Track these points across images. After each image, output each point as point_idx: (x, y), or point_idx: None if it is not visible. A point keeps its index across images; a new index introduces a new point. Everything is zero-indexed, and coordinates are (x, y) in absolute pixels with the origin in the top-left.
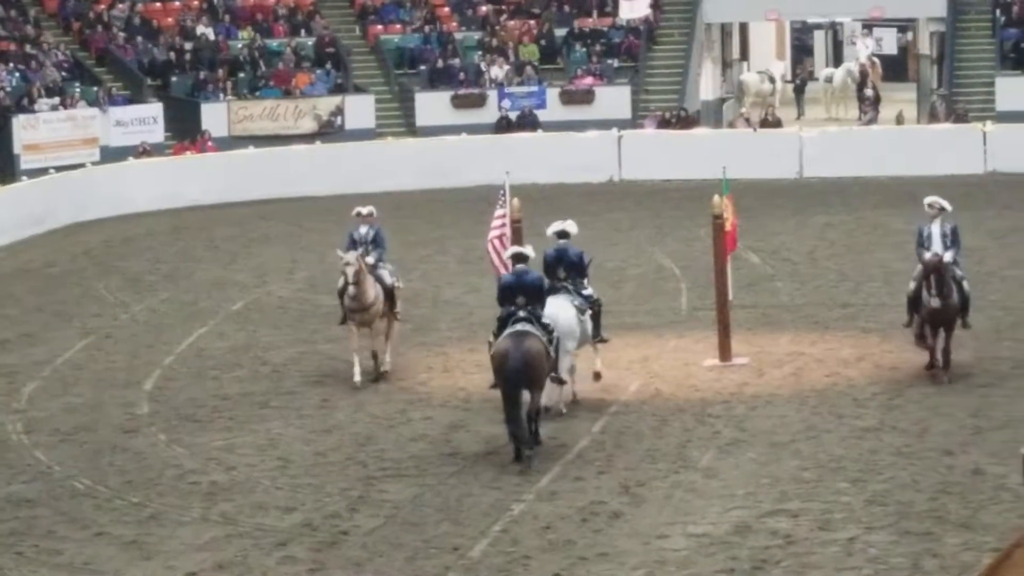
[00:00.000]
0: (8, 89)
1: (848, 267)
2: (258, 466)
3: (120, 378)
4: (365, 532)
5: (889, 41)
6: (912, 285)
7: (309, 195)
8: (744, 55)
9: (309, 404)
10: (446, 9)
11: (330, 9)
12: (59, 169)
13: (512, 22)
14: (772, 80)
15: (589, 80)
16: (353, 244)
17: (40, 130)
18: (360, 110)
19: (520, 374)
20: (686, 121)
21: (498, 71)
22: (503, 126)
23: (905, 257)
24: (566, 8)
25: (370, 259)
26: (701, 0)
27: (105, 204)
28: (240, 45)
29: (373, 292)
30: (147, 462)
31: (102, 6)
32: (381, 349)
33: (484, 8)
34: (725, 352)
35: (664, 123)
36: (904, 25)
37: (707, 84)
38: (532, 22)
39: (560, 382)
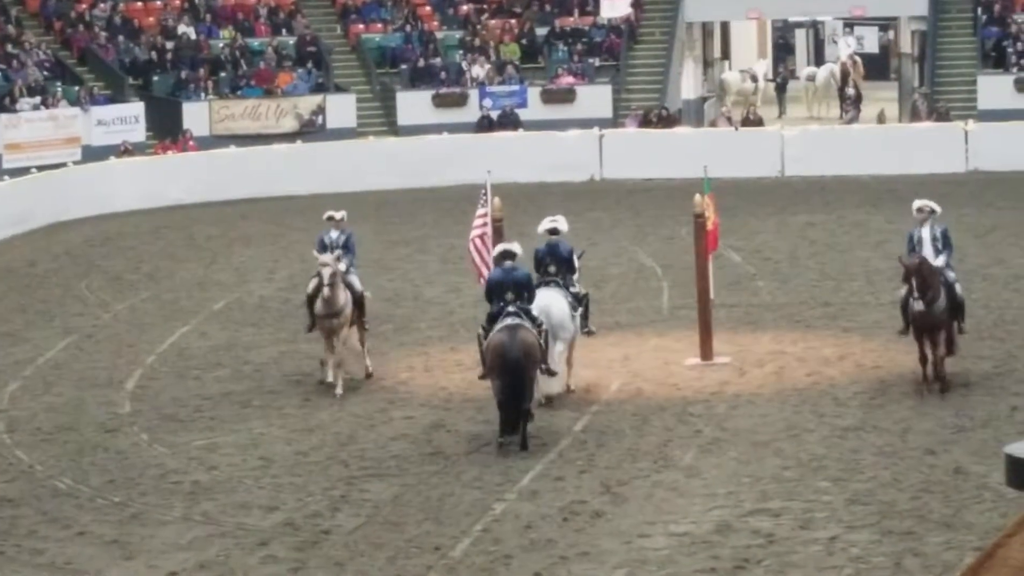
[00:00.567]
0: None
1: (830, 266)
2: (240, 465)
3: (102, 377)
4: (347, 532)
5: (871, 40)
6: (902, 291)
7: (290, 194)
8: (725, 54)
9: (291, 403)
10: (427, 8)
11: (311, 8)
12: (41, 168)
13: (493, 21)
14: (754, 79)
15: (570, 79)
16: (323, 248)
17: (22, 129)
18: (341, 109)
19: (520, 365)
20: (667, 120)
21: (479, 70)
22: (484, 125)
23: (886, 256)
24: (547, 7)
25: (341, 265)
26: None
27: (87, 203)
28: (221, 44)
29: (344, 298)
30: (129, 462)
31: (83, 6)
32: (354, 354)
33: (465, 7)
34: (706, 351)
35: (646, 122)
36: (885, 24)
37: (688, 83)
38: (513, 21)
39: (551, 374)
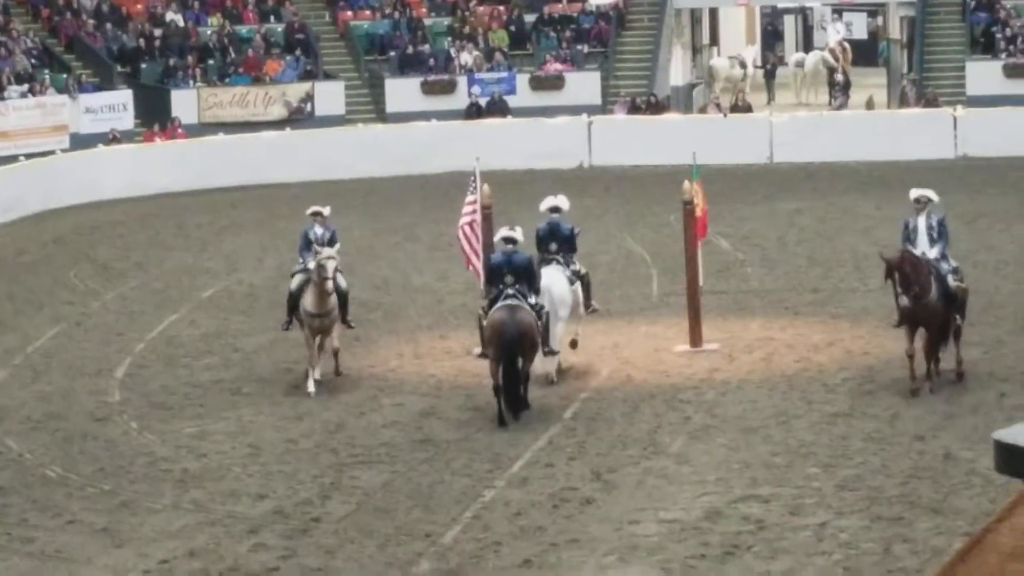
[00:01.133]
0: None
1: (818, 252)
2: (229, 453)
3: (91, 366)
4: (336, 519)
5: (859, 26)
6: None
7: (279, 182)
8: (714, 40)
9: (280, 391)
10: None
11: None
12: (28, 156)
13: (481, 8)
14: (742, 65)
15: (559, 66)
16: (308, 245)
17: (9, 117)
18: (330, 97)
19: (516, 342)
20: (656, 107)
21: (468, 57)
22: (473, 112)
23: (875, 242)
24: None
25: (311, 264)
26: None
27: (75, 191)
28: (209, 32)
29: (334, 297)
30: (118, 450)
31: None
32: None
33: None
34: (696, 338)
35: (634, 109)
36: (874, 9)
37: (677, 70)
38: (501, 8)
39: (552, 353)
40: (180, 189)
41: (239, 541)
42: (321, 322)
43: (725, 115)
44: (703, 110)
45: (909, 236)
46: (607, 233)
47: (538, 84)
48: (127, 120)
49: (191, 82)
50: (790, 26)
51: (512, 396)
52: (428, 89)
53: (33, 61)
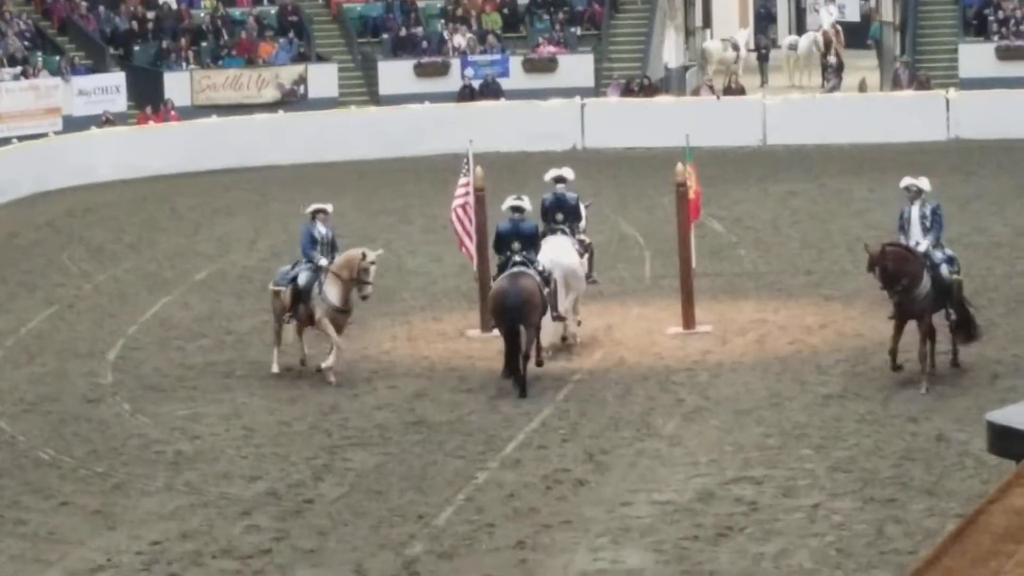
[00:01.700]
0: None
1: (811, 234)
2: (223, 435)
3: (84, 348)
4: (329, 501)
5: (852, 8)
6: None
7: (272, 164)
8: (707, 23)
9: (273, 373)
10: None
11: None
12: (22, 139)
13: None
14: (735, 48)
15: (552, 48)
16: (314, 243)
17: (2, 100)
18: (323, 79)
19: (517, 311)
20: (649, 89)
21: (461, 39)
22: (466, 95)
23: (868, 224)
24: None
25: (323, 261)
26: None
27: (68, 174)
28: (203, 14)
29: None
30: (111, 432)
31: None
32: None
33: None
34: (689, 320)
35: (628, 91)
36: None
37: (670, 52)
38: None
39: (560, 319)
40: (173, 171)
41: (232, 523)
42: (345, 317)
43: (718, 97)
44: (696, 92)
45: (903, 225)
46: (600, 215)
47: (531, 66)
48: (120, 102)
49: (184, 64)
50: (783, 8)
51: (514, 364)
52: (421, 71)
53: (26, 43)
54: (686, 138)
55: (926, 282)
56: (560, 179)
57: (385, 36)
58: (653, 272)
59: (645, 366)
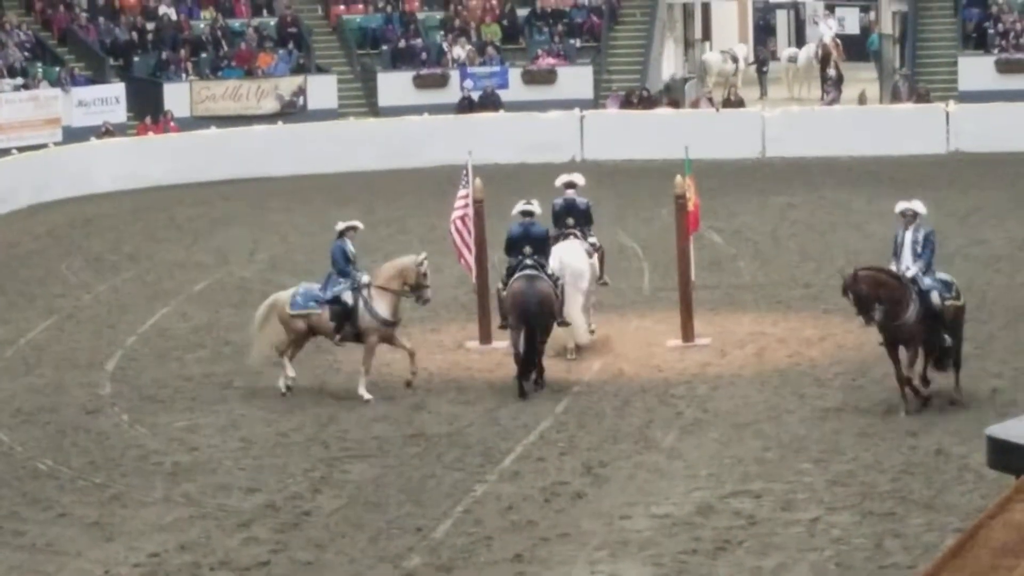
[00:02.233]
0: None
1: (810, 247)
2: (221, 447)
3: (83, 358)
4: (327, 513)
5: (851, 21)
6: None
7: (271, 175)
8: (706, 35)
9: (271, 385)
10: None
11: None
12: (21, 149)
13: (474, 2)
14: (734, 60)
15: (551, 60)
16: (348, 260)
17: (2, 110)
18: (322, 90)
19: (536, 316)
20: (649, 101)
21: (460, 51)
22: (465, 106)
23: (867, 237)
24: None
25: (365, 278)
26: None
27: (67, 184)
28: (202, 25)
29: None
30: (110, 443)
31: None
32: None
33: None
34: (687, 332)
35: (627, 103)
36: (866, 5)
37: (669, 64)
38: (494, 2)
39: (566, 324)
40: (172, 182)
41: (230, 534)
42: (394, 329)
43: (717, 109)
44: (695, 104)
45: (896, 250)
46: (599, 227)
47: (530, 78)
48: (120, 113)
49: (183, 75)
50: (782, 21)
51: (530, 365)
52: (420, 83)
53: (26, 54)
54: (685, 150)
55: (913, 308)
56: (571, 184)
57: (384, 47)
58: (652, 284)
59: (644, 378)
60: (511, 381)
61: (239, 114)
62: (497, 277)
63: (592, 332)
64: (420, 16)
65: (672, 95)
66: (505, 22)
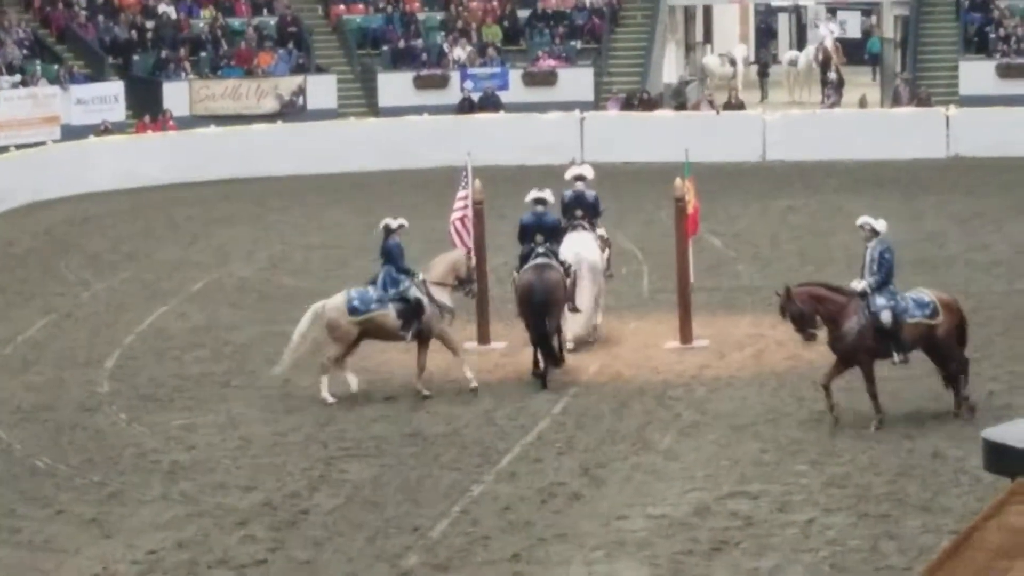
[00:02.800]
0: None
1: (810, 250)
2: (219, 445)
3: (81, 357)
4: (325, 512)
5: (853, 24)
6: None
7: (271, 175)
8: (708, 38)
9: (270, 384)
10: None
11: None
12: (19, 147)
13: (475, 3)
14: (733, 63)
15: (552, 62)
16: (402, 255)
17: (1, 108)
18: (322, 90)
19: (544, 305)
20: (649, 103)
21: (461, 52)
22: (465, 107)
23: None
24: None
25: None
26: None
27: (66, 183)
28: (202, 24)
29: None
30: (108, 441)
31: None
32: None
33: None
34: (686, 334)
35: (627, 105)
36: (868, 8)
37: (670, 67)
38: (495, 3)
39: (576, 310)
40: (171, 181)
41: (228, 533)
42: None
43: (718, 112)
44: (696, 107)
45: (863, 267)
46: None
47: (531, 80)
48: (118, 112)
49: (183, 74)
50: (784, 24)
51: (546, 352)
52: (420, 83)
53: (25, 52)
54: (685, 153)
55: (854, 322)
56: (580, 177)
57: (385, 48)
58: (651, 286)
59: (642, 380)
60: (510, 381)
61: (238, 113)
62: (497, 278)
63: (596, 328)
64: (420, 17)
65: (680, 99)
66: (506, 23)
